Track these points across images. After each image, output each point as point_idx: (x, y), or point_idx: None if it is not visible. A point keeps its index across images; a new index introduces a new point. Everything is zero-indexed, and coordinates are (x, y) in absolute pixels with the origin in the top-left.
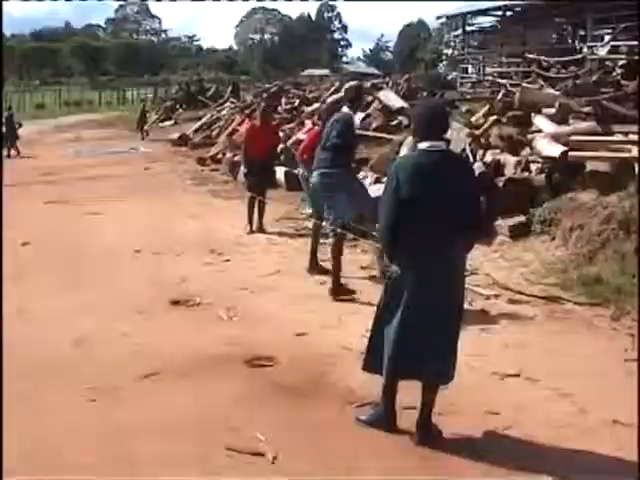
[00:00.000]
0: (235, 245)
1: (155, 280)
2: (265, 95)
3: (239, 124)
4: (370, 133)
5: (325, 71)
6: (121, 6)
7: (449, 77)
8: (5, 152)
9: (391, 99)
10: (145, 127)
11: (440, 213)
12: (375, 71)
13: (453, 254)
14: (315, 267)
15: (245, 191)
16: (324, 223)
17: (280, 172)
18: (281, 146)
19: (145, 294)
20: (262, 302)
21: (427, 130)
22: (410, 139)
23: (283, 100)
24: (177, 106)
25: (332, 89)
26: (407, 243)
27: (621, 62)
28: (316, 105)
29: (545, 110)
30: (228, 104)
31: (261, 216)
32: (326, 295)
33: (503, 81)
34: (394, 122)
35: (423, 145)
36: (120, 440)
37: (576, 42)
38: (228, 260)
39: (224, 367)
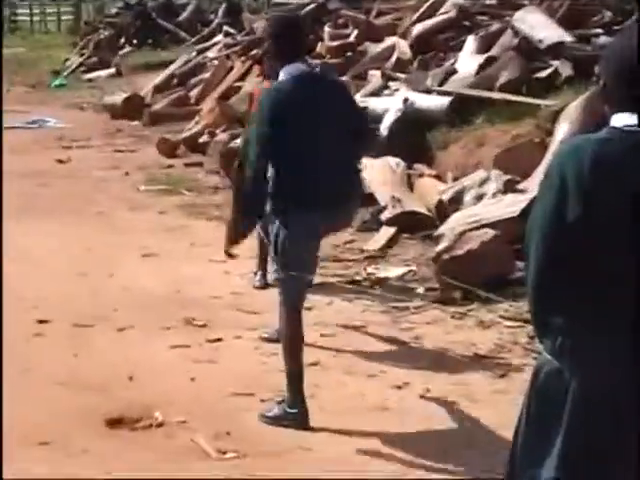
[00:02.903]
0: (232, 310)
1: (75, 378)
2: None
3: (240, 77)
4: (495, 94)
5: None
6: None
7: None
8: None
9: (537, 27)
10: None
11: None
12: None
13: None
14: None
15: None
16: None
17: None
18: None
19: (55, 405)
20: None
21: (628, 91)
22: (574, 109)
23: (327, 30)
24: (121, 41)
25: (422, 8)
26: (575, 312)
27: None
28: (391, 40)
29: None
30: (220, 38)
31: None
32: (400, 409)
33: None
34: (544, 72)
35: (619, 120)
36: None
37: None
38: (219, 340)
39: None
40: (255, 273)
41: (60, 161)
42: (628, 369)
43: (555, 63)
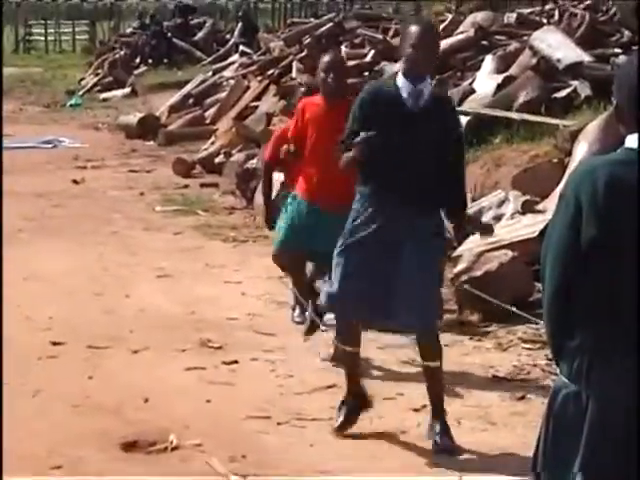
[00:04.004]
0: (248, 331)
1: (89, 400)
2: (308, 41)
3: (257, 96)
4: (514, 114)
5: None
6: None
7: None
8: None
9: (556, 47)
10: None
11: None
12: None
13: None
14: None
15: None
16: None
17: None
18: None
19: (68, 428)
20: (298, 445)
21: (639, 112)
22: (593, 128)
23: (343, 50)
24: (136, 60)
25: (440, 28)
26: (592, 334)
27: None
28: None
29: None
30: (236, 57)
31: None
32: (418, 432)
33: None
34: (562, 92)
35: (633, 141)
36: None
37: None
38: (235, 362)
39: None
40: (293, 308)
41: (75, 181)
42: None
43: (574, 83)
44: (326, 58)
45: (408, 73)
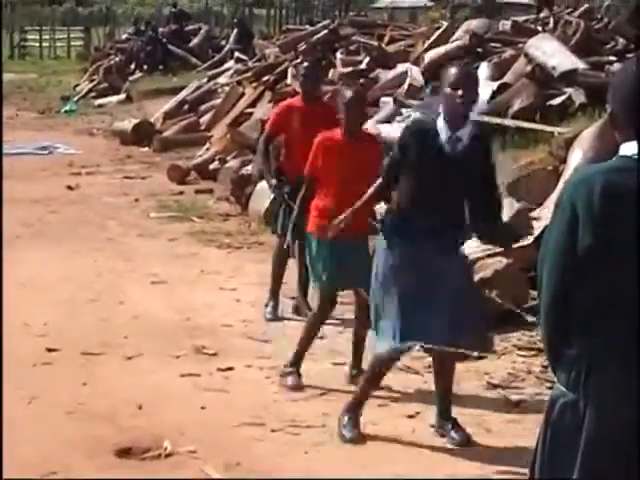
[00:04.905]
0: (243, 338)
1: (84, 407)
2: (303, 47)
3: (252, 103)
4: (509, 121)
5: None
6: None
7: None
8: None
9: (551, 54)
10: None
11: None
12: None
13: None
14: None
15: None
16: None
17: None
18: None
19: (63, 435)
20: (293, 452)
21: (635, 120)
22: (588, 135)
23: (338, 57)
24: (131, 66)
25: (435, 35)
26: (589, 342)
27: None
28: (402, 67)
29: None
30: (231, 64)
31: (301, 283)
32: (412, 439)
33: None
34: (557, 100)
35: (629, 148)
36: None
37: None
38: (229, 369)
39: None
40: (267, 302)
41: (70, 187)
42: None
43: (569, 90)
44: (349, 94)
45: (447, 116)
